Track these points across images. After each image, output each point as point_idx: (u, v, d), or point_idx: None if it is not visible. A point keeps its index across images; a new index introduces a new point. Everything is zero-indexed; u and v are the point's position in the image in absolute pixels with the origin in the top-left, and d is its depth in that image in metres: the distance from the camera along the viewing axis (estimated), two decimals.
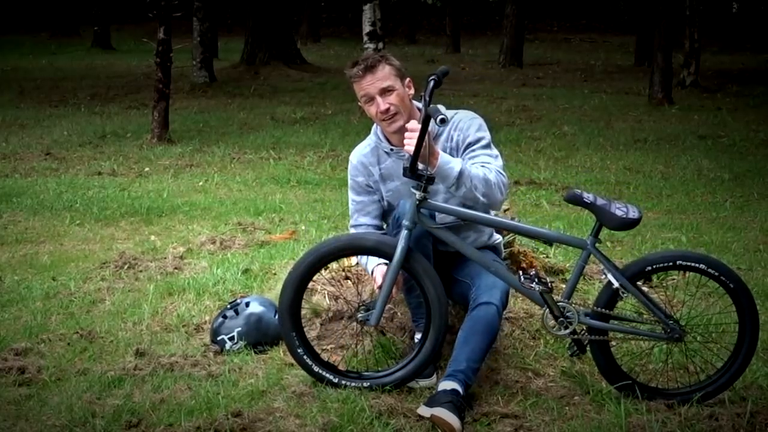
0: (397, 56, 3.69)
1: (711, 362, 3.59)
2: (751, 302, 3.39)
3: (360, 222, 3.71)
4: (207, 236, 5.99)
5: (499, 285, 3.46)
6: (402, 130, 3.44)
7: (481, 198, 3.36)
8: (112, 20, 26.74)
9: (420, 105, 3.44)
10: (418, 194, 3.32)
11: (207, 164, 9.57)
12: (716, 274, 3.36)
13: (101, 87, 16.42)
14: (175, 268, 5.22)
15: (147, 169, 9.25)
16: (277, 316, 3.91)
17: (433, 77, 3.29)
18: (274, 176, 8.93)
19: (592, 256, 3.40)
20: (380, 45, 12.65)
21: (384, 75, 3.49)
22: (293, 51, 19.48)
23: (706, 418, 3.26)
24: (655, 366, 3.73)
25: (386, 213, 3.72)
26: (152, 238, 6.23)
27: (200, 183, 8.55)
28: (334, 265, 3.97)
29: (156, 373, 3.64)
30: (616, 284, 3.34)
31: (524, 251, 4.42)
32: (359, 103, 3.62)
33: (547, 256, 4.78)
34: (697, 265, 3.37)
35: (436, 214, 3.47)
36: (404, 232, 3.33)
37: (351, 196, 3.74)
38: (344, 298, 3.96)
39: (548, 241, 3.61)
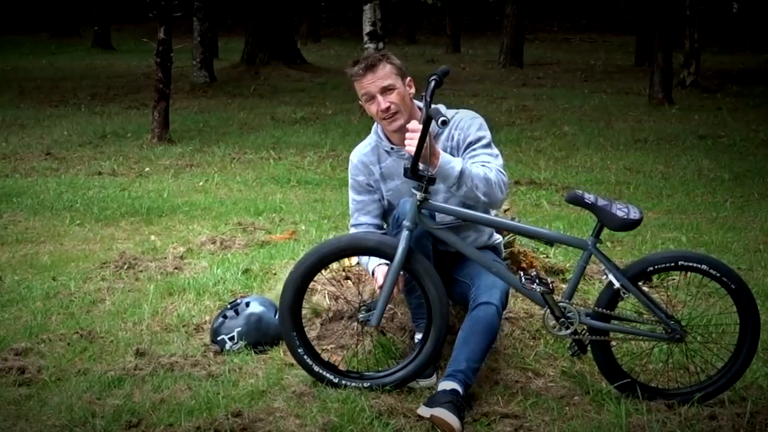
0: (398, 56, 3.70)
1: (711, 363, 3.59)
2: (753, 303, 3.39)
3: (360, 221, 3.71)
4: (207, 236, 5.99)
5: (499, 285, 3.46)
6: (402, 128, 3.45)
7: (482, 197, 3.36)
8: (112, 20, 26.75)
9: (421, 104, 3.44)
10: (419, 195, 3.32)
11: (207, 164, 9.57)
12: (718, 274, 3.36)
13: (101, 87, 16.43)
14: (175, 268, 5.22)
15: (147, 169, 9.25)
16: (277, 316, 3.91)
17: (434, 77, 3.29)
18: (274, 176, 8.93)
19: (593, 256, 3.40)
20: (380, 45, 12.64)
21: (385, 74, 3.49)
22: (293, 51, 19.48)
23: (706, 418, 3.26)
24: (655, 366, 3.73)
25: (386, 212, 3.72)
26: (152, 238, 6.23)
27: (200, 183, 8.55)
28: (334, 264, 3.97)
29: (156, 373, 3.64)
30: (617, 285, 3.34)
31: (524, 251, 4.42)
32: (360, 102, 3.62)
33: (547, 256, 4.79)
34: (698, 265, 3.37)
35: (436, 213, 3.48)
36: (405, 233, 3.33)
37: (351, 195, 3.74)
38: (344, 298, 3.96)
39: (549, 241, 3.61)
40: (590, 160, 10.17)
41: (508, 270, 3.75)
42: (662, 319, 3.38)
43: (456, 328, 3.56)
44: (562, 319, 3.39)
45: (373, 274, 3.59)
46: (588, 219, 6.65)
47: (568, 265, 4.72)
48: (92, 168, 9.22)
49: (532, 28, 29.38)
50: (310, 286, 3.77)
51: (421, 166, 3.26)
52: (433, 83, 3.28)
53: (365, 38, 12.78)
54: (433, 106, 3.32)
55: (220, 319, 3.97)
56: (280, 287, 4.25)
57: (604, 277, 3.41)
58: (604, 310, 3.39)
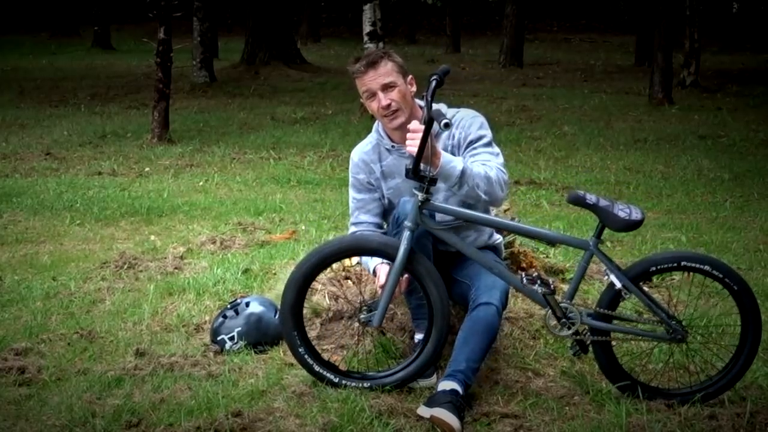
0: (399, 55, 3.70)
1: (711, 363, 3.59)
2: (755, 305, 3.39)
3: (360, 219, 3.71)
4: (207, 236, 5.99)
5: (499, 285, 3.46)
6: (403, 126, 3.45)
7: (483, 196, 3.36)
8: (112, 20, 26.75)
9: (422, 103, 3.44)
10: (420, 195, 3.32)
11: (207, 164, 9.57)
12: (720, 275, 3.36)
13: (101, 87, 16.43)
14: (175, 268, 5.22)
15: (147, 169, 9.25)
16: (277, 316, 3.92)
17: (434, 77, 3.30)
18: (274, 176, 8.93)
19: (594, 256, 3.40)
20: (380, 45, 12.63)
21: (386, 71, 3.50)
22: (293, 51, 19.48)
23: (706, 418, 3.26)
24: (655, 366, 3.73)
25: (387, 211, 3.72)
26: (152, 238, 6.23)
27: (200, 183, 8.55)
28: (335, 264, 3.97)
29: (156, 373, 3.64)
30: (618, 285, 3.34)
31: (524, 251, 4.42)
32: (361, 100, 3.63)
33: (547, 256, 4.79)
34: (701, 266, 3.37)
35: (436, 213, 3.48)
36: (406, 233, 3.33)
37: (352, 193, 3.75)
38: (345, 298, 3.96)
39: (550, 242, 3.61)
40: (590, 160, 10.17)
41: (509, 270, 3.75)
42: (664, 319, 3.38)
43: (456, 328, 3.56)
44: (564, 320, 3.39)
45: (374, 273, 3.59)
46: (588, 219, 6.65)
47: (568, 265, 4.72)
48: (92, 168, 9.22)
49: (532, 28, 29.39)
50: (311, 286, 3.77)
51: (422, 166, 3.26)
52: (434, 83, 3.28)
53: (365, 38, 12.77)
54: (435, 107, 3.33)
55: (220, 319, 3.97)
56: (280, 287, 4.25)
57: (606, 277, 3.41)
58: (606, 311, 3.39)
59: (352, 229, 3.73)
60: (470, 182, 3.32)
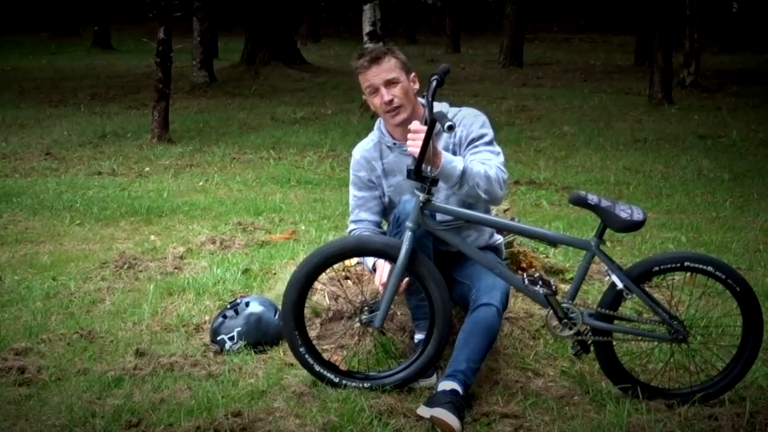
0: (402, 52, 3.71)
1: (712, 363, 3.59)
2: (756, 306, 3.39)
3: (360, 217, 3.71)
4: (207, 236, 5.99)
5: (499, 286, 3.46)
6: (405, 123, 3.47)
7: (483, 195, 3.36)
8: (112, 20, 26.74)
9: (424, 101, 3.45)
10: (422, 196, 3.32)
11: (207, 164, 9.57)
12: (723, 276, 3.36)
13: (101, 87, 16.43)
14: (175, 268, 5.22)
15: (147, 169, 9.25)
16: (277, 316, 3.92)
17: (435, 77, 3.30)
18: (274, 176, 8.94)
19: (595, 257, 3.40)
20: (381, 45, 12.64)
21: (389, 67, 3.51)
22: (293, 51, 19.48)
23: (706, 418, 3.26)
24: (655, 366, 3.73)
25: (387, 210, 3.73)
26: (152, 238, 6.23)
27: (200, 183, 8.55)
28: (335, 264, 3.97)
29: (156, 373, 3.64)
30: (620, 285, 3.34)
31: (524, 251, 4.42)
32: (364, 96, 3.63)
33: (547, 256, 4.79)
34: (704, 267, 3.37)
35: (437, 213, 3.48)
36: (408, 234, 3.33)
37: (352, 191, 3.75)
38: (345, 298, 3.96)
39: (552, 242, 3.60)
40: (590, 160, 10.17)
41: (510, 271, 3.75)
42: (665, 319, 3.38)
43: (456, 328, 3.56)
44: (565, 320, 3.39)
45: (373, 269, 3.59)
46: (588, 219, 6.66)
47: (568, 265, 4.73)
48: (92, 168, 9.22)
49: (532, 28, 29.38)
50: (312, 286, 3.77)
51: (424, 167, 3.27)
52: (434, 83, 3.29)
53: (365, 38, 12.78)
54: (437, 107, 3.34)
55: (220, 319, 3.97)
56: (280, 287, 4.26)
57: (607, 278, 3.41)
58: (607, 311, 3.39)
59: (352, 226, 3.73)
60: (470, 182, 3.32)
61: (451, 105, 3.65)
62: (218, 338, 3.92)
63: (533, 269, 4.30)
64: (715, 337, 3.87)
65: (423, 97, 3.38)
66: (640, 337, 3.54)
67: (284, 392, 3.45)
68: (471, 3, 33.50)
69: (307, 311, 3.80)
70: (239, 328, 3.89)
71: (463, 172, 3.31)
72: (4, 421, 3.23)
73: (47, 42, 26.37)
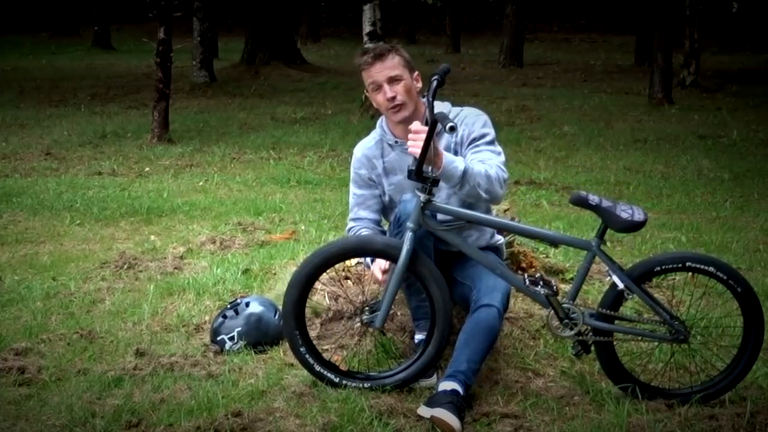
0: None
1: (712, 363, 3.59)
2: (758, 307, 3.39)
3: (360, 215, 3.71)
4: (207, 236, 5.99)
5: (500, 287, 3.46)
6: (407, 120, 3.47)
7: (483, 195, 3.37)
8: (112, 20, 26.74)
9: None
10: (422, 196, 3.32)
11: (207, 164, 9.57)
12: (724, 277, 3.36)
13: (101, 87, 16.43)
14: (175, 268, 5.22)
15: (147, 169, 9.25)
16: (277, 316, 3.92)
17: (435, 77, 3.31)
18: (274, 176, 8.93)
19: (596, 257, 3.40)
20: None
21: (393, 64, 3.52)
22: (293, 51, 19.48)
23: (706, 418, 3.26)
24: (655, 366, 3.73)
25: (387, 208, 3.73)
26: (152, 238, 6.23)
27: (200, 183, 8.55)
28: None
29: (156, 373, 3.64)
30: (621, 286, 3.34)
31: (524, 251, 4.42)
32: (366, 93, 3.64)
33: (547, 256, 4.79)
34: (706, 267, 3.37)
35: (437, 213, 3.48)
36: (409, 234, 3.33)
37: (352, 189, 3.75)
38: (345, 298, 3.96)
39: (553, 242, 3.60)
40: (590, 160, 10.17)
41: (511, 271, 3.75)
42: (666, 320, 3.38)
43: (457, 328, 3.56)
44: (566, 321, 3.39)
45: (371, 267, 3.58)
46: (588, 219, 6.66)
47: (568, 265, 4.72)
48: (92, 168, 9.22)
49: (532, 28, 29.38)
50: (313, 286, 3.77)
51: (425, 167, 3.27)
52: (435, 83, 3.29)
53: (365, 38, 12.77)
54: (440, 109, 3.35)
55: (220, 319, 3.97)
56: (280, 287, 4.26)
57: (607, 278, 3.41)
58: (608, 311, 3.39)
59: (351, 224, 3.73)
60: (471, 182, 3.33)
61: (453, 105, 3.65)
62: (218, 338, 3.92)
63: (533, 269, 4.29)
64: (716, 337, 3.87)
65: (424, 96, 3.39)
66: (640, 337, 3.54)
67: (284, 392, 3.45)
68: (471, 3, 33.49)
69: (307, 311, 3.80)
70: (239, 328, 3.89)
71: (465, 172, 3.31)
72: (4, 421, 3.23)
73: (47, 42, 26.37)
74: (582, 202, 3.33)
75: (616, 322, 3.45)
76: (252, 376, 3.62)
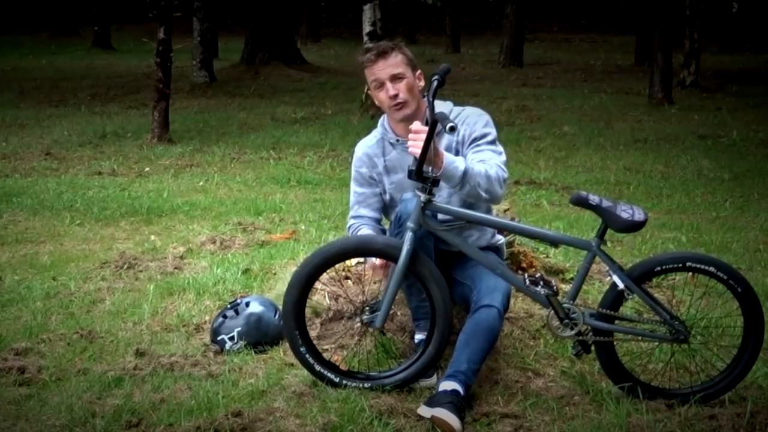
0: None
1: (712, 363, 3.59)
2: (758, 307, 3.39)
3: (360, 213, 3.72)
4: (207, 236, 5.99)
5: (501, 288, 3.46)
6: (409, 119, 3.48)
7: (484, 194, 3.37)
8: (112, 20, 26.73)
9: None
10: (423, 196, 3.32)
11: (207, 164, 9.57)
12: (725, 277, 3.36)
13: (101, 87, 16.43)
14: (175, 268, 5.22)
15: (147, 169, 9.25)
16: (277, 316, 3.92)
17: (436, 77, 3.31)
18: (274, 176, 8.93)
19: (596, 257, 3.39)
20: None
21: (396, 62, 3.53)
22: (293, 51, 19.48)
23: (706, 418, 3.26)
24: (655, 366, 3.73)
25: (387, 207, 3.73)
26: (152, 238, 6.23)
27: (200, 183, 8.55)
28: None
29: (156, 373, 3.64)
30: (621, 286, 3.34)
31: (524, 251, 4.42)
32: (368, 91, 3.65)
33: (547, 256, 4.78)
34: (706, 267, 3.36)
35: (438, 213, 3.48)
36: (409, 234, 3.33)
37: (353, 187, 3.76)
38: (345, 298, 3.96)
39: (553, 242, 3.60)
40: (590, 160, 10.17)
41: (512, 271, 3.75)
42: (666, 320, 3.38)
43: (457, 328, 3.56)
44: (567, 321, 3.39)
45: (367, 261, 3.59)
46: (588, 219, 6.66)
47: (568, 265, 4.72)
48: (92, 168, 9.22)
49: (532, 28, 29.38)
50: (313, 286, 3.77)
51: (425, 167, 3.27)
52: (435, 83, 3.29)
53: (365, 38, 12.77)
54: (441, 108, 3.35)
55: (220, 319, 3.97)
56: (280, 287, 4.26)
57: (607, 278, 3.41)
58: (608, 311, 3.39)
59: (351, 222, 3.74)
60: (472, 182, 3.33)
61: (454, 105, 3.66)
62: (218, 338, 3.92)
63: (534, 269, 4.29)
64: (716, 337, 3.87)
65: (425, 96, 3.39)
66: (640, 337, 3.54)
67: (284, 392, 3.45)
68: (471, 3, 33.48)
69: (307, 311, 3.80)
70: (239, 328, 3.89)
71: (465, 173, 3.31)
72: (4, 421, 3.23)
73: (47, 42, 26.36)
74: (582, 202, 3.33)
75: (616, 322, 3.45)
76: (252, 376, 3.62)
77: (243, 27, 21.27)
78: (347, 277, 4.09)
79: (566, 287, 3.99)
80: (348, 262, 4.06)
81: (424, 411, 3.18)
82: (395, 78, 3.52)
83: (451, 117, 3.57)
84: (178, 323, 4.26)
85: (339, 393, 3.40)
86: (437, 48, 25.79)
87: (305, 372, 3.52)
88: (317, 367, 3.48)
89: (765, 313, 3.44)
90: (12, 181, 8.45)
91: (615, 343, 3.46)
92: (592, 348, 3.45)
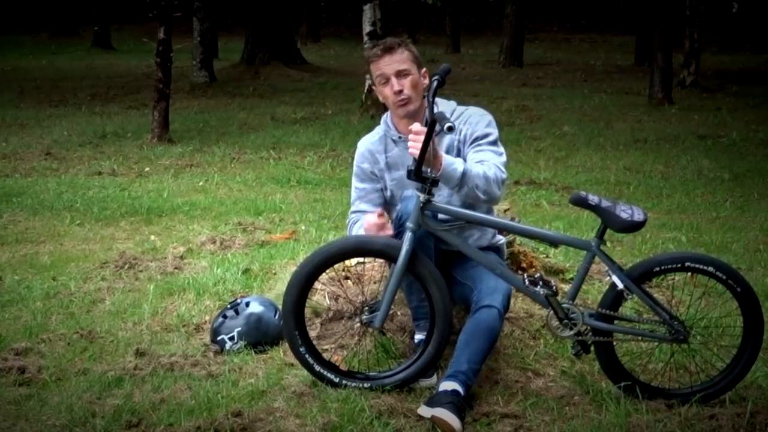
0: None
1: (712, 363, 3.59)
2: (757, 306, 3.39)
3: (361, 208, 3.72)
4: (207, 236, 5.99)
5: (501, 288, 3.46)
6: (412, 116, 3.50)
7: (482, 196, 3.38)
8: (112, 20, 26.73)
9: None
10: (422, 196, 3.33)
11: (207, 164, 9.57)
12: (724, 277, 3.36)
13: (101, 87, 16.43)
14: (175, 268, 5.22)
15: (147, 169, 9.25)
16: (277, 316, 3.92)
17: (436, 77, 3.31)
18: (274, 176, 8.93)
19: (596, 257, 3.39)
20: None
21: (402, 58, 3.55)
22: (293, 51, 19.48)
23: (706, 418, 3.25)
24: (655, 366, 3.73)
25: (389, 204, 3.73)
26: (152, 238, 6.23)
27: (200, 183, 8.55)
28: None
29: (156, 373, 3.64)
30: (620, 286, 3.34)
31: (524, 251, 4.42)
32: (374, 87, 3.66)
33: (547, 256, 4.78)
34: (705, 267, 3.36)
35: (438, 213, 3.48)
36: (408, 234, 3.34)
37: (354, 183, 3.76)
38: (345, 298, 3.96)
39: (553, 242, 3.60)
40: (590, 160, 10.17)
41: (511, 271, 3.75)
42: (666, 320, 3.38)
43: (457, 328, 3.56)
44: (566, 321, 3.39)
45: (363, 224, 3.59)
46: (588, 219, 6.66)
47: (568, 265, 4.72)
48: (92, 168, 9.22)
49: (532, 28, 29.37)
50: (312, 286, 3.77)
51: (424, 168, 3.27)
52: (435, 83, 3.30)
53: (365, 38, 12.77)
54: (446, 108, 3.35)
55: (220, 319, 3.97)
56: (280, 287, 4.26)
57: (607, 278, 3.41)
58: (608, 311, 3.39)
59: (352, 217, 3.74)
60: (470, 183, 3.34)
61: (458, 104, 3.67)
62: (218, 338, 3.92)
63: (533, 269, 4.30)
64: (716, 337, 3.87)
65: (425, 96, 3.39)
66: (640, 338, 3.54)
67: (284, 392, 3.45)
68: (471, 3, 33.49)
69: (307, 311, 3.80)
70: (239, 328, 3.89)
71: (463, 174, 3.32)
72: (4, 421, 3.23)
73: (47, 42, 26.36)
74: (582, 202, 3.33)
75: (616, 322, 3.45)
76: (252, 376, 3.62)
77: (243, 27, 21.27)
78: (347, 277, 4.09)
79: (566, 287, 3.99)
80: (347, 262, 4.06)
81: (424, 411, 3.18)
82: (400, 74, 3.53)
83: (454, 116, 3.58)
84: (178, 323, 4.27)
85: (339, 393, 3.40)
86: (437, 48, 25.77)
87: (305, 372, 3.52)
88: (317, 368, 3.48)
89: (765, 312, 3.44)
90: (12, 181, 8.45)
91: (615, 343, 3.46)
92: (592, 348, 3.45)
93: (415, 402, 3.35)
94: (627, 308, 3.86)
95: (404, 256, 3.32)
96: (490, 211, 3.68)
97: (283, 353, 3.80)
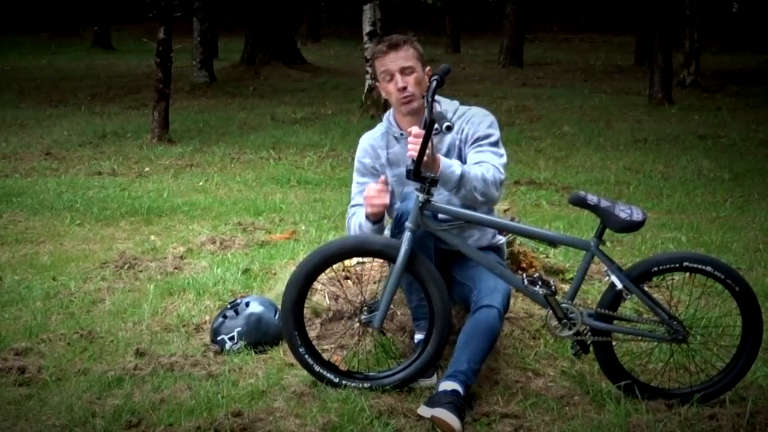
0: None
1: (712, 363, 3.59)
2: (756, 306, 3.39)
3: (360, 202, 3.73)
4: (207, 236, 6.00)
5: (501, 288, 3.47)
6: (415, 113, 3.52)
7: (480, 197, 3.39)
8: (112, 20, 26.73)
9: (436, 98, 3.46)
10: (421, 196, 3.33)
11: (207, 164, 9.57)
12: (722, 276, 3.36)
13: (101, 87, 16.43)
14: (175, 268, 5.23)
15: (147, 169, 9.25)
16: (277, 316, 3.92)
17: (435, 77, 3.31)
18: (274, 176, 8.93)
19: (595, 257, 3.40)
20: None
21: (407, 55, 3.56)
22: (293, 51, 19.48)
23: (706, 418, 3.26)
24: (655, 366, 3.73)
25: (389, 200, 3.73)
26: (152, 238, 6.23)
27: (200, 183, 8.55)
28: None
29: (156, 373, 3.64)
30: (619, 286, 3.34)
31: (524, 251, 4.42)
32: (378, 84, 3.67)
33: (547, 256, 4.79)
34: (704, 267, 3.37)
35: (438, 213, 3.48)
36: (407, 234, 3.34)
37: (355, 177, 3.77)
38: (344, 298, 3.96)
39: (552, 242, 3.60)
40: (590, 160, 10.17)
41: (512, 272, 3.76)
42: (665, 320, 3.38)
43: (456, 328, 3.56)
44: (565, 320, 3.39)
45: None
46: (588, 219, 6.66)
47: (567, 265, 4.72)
48: (92, 168, 9.22)
49: (532, 28, 29.37)
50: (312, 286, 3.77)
51: (422, 169, 3.28)
52: (434, 83, 3.30)
53: (365, 38, 12.77)
54: (448, 107, 3.35)
55: (220, 319, 3.97)
56: (280, 287, 4.26)
57: (606, 278, 3.41)
58: (607, 311, 3.39)
59: (352, 210, 3.74)
60: (468, 185, 3.35)
61: (461, 104, 3.68)
62: (218, 338, 3.92)
63: (533, 269, 4.30)
64: (715, 337, 3.87)
65: (424, 97, 3.40)
66: (639, 337, 3.54)
67: (284, 392, 3.45)
68: (471, 3, 33.48)
69: (306, 311, 3.81)
70: (239, 328, 3.89)
71: (461, 177, 3.33)
72: (4, 421, 3.24)
73: (47, 42, 26.35)
74: (581, 202, 3.34)
75: (615, 322, 3.45)
76: (252, 376, 3.62)
77: (243, 27, 21.26)
78: (347, 277, 4.09)
79: (566, 287, 3.99)
80: (347, 262, 4.06)
81: (424, 411, 3.18)
82: (405, 71, 3.54)
83: (457, 115, 3.59)
84: (178, 323, 4.27)
85: (339, 393, 3.40)
86: (437, 48, 25.75)
87: (305, 372, 3.52)
88: (316, 368, 3.48)
89: (764, 312, 3.45)
90: (12, 181, 8.45)
91: (614, 343, 3.47)
92: (591, 348, 3.45)
93: (415, 402, 3.36)
94: (626, 308, 3.86)
95: (403, 255, 3.33)
96: (490, 211, 3.68)
97: (283, 353, 3.80)
